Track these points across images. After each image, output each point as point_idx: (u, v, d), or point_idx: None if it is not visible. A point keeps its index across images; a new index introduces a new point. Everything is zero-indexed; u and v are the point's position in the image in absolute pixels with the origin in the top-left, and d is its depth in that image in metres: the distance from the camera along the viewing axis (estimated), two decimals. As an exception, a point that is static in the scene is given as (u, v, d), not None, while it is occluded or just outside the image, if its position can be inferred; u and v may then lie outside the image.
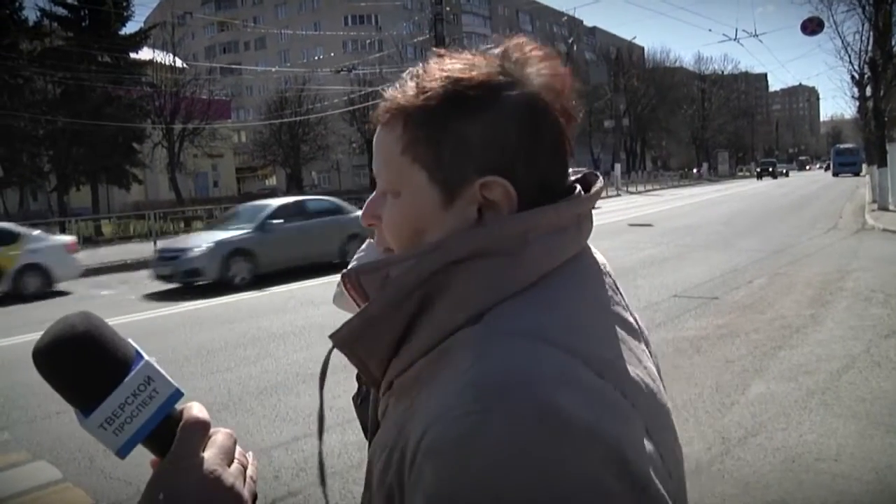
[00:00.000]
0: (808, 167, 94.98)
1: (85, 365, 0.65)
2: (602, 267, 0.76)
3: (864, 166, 42.28)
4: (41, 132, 28.53)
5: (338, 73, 38.71)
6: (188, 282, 11.46)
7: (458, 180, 0.70)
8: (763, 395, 5.02)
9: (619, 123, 52.04)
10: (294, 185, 45.66)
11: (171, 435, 0.68)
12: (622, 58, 67.82)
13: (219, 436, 0.71)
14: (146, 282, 12.32)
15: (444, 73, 0.71)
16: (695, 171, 68.42)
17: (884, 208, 20.01)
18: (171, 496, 0.65)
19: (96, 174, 29.93)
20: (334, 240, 12.91)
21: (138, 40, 33.25)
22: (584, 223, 0.75)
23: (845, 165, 56.94)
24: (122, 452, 0.66)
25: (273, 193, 40.07)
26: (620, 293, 0.76)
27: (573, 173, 0.79)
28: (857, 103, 29.84)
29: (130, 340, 0.69)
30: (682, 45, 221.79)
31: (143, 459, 0.71)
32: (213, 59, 66.49)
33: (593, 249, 0.78)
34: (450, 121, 0.70)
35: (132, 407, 0.66)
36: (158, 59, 34.34)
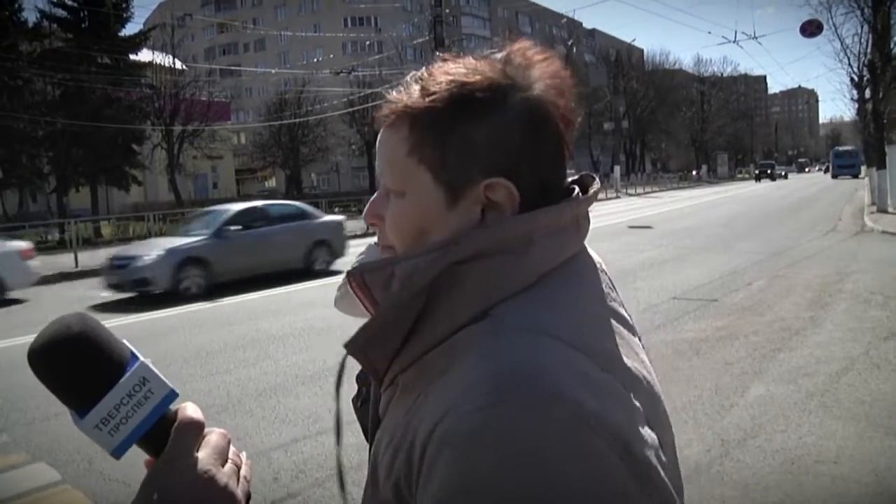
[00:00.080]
0: (807, 169, 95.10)
1: (80, 366, 0.66)
2: (598, 265, 0.79)
3: (863, 168, 42.35)
4: (41, 133, 28.49)
5: (337, 75, 38.61)
6: (138, 291, 10.84)
7: (462, 181, 0.72)
8: (762, 398, 5.02)
9: (618, 125, 52.11)
10: (293, 187, 45.64)
11: (166, 435, 0.68)
12: (622, 60, 67.81)
13: (213, 436, 0.71)
14: (94, 292, 11.38)
15: (450, 77, 0.72)
16: (694, 173, 68.45)
17: (883, 210, 20.03)
18: (165, 496, 0.65)
19: (96, 175, 29.89)
20: (299, 246, 12.52)
21: (138, 42, 33.20)
22: (582, 223, 0.77)
23: (844, 168, 56.99)
24: (118, 453, 0.67)
25: (272, 195, 40.16)
26: (615, 290, 0.79)
27: (570, 175, 0.82)
28: (857, 105, 29.92)
29: (125, 341, 0.70)
30: (681, 48, 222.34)
31: (142, 461, 0.71)
32: (213, 60, 66.48)
33: (589, 249, 0.80)
34: (456, 123, 0.71)
35: (127, 408, 0.66)
36: (158, 61, 34.32)
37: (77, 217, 22.91)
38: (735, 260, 11.84)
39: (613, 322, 0.73)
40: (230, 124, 46.78)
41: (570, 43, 58.26)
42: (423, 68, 0.76)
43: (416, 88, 0.74)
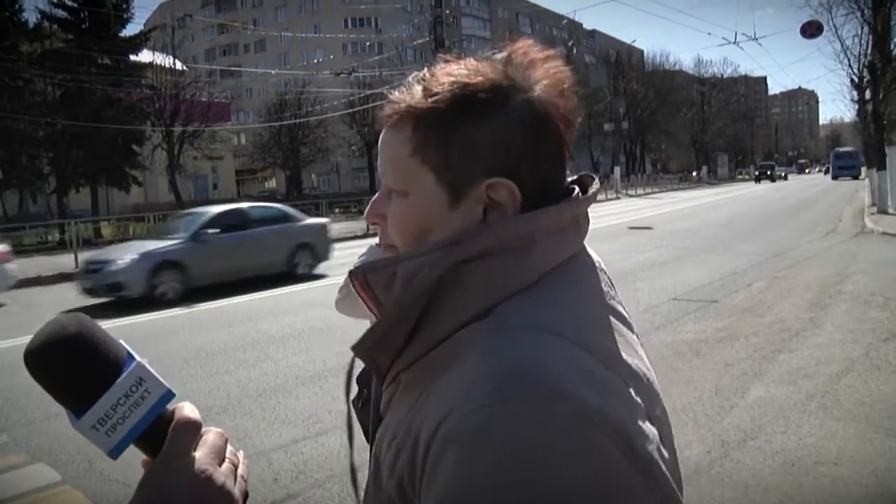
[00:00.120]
0: (807, 170, 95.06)
1: (77, 366, 0.66)
2: (598, 264, 0.80)
3: (864, 170, 42.35)
4: (41, 134, 28.51)
5: (337, 76, 38.61)
6: (112, 296, 10.48)
7: (465, 181, 0.73)
8: (762, 399, 5.02)
9: (618, 126, 52.10)
10: (294, 188, 45.66)
11: (163, 435, 0.68)
12: (622, 61, 67.86)
13: (210, 435, 0.71)
14: (71, 296, 10.89)
15: (452, 78, 0.73)
16: (694, 174, 68.44)
17: (883, 212, 20.02)
18: (162, 495, 0.65)
19: (96, 176, 29.91)
20: (281, 250, 12.27)
21: (138, 42, 33.23)
22: (582, 223, 0.78)
23: (844, 169, 56.95)
24: (115, 453, 0.67)
25: (273, 196, 40.16)
26: (614, 288, 0.80)
27: (569, 176, 0.82)
28: (857, 107, 29.94)
29: (122, 341, 0.70)
30: (681, 49, 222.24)
31: (141, 461, 0.71)
32: (213, 61, 66.53)
33: (588, 248, 0.81)
34: (459, 124, 0.72)
35: (124, 408, 0.66)
36: (158, 62, 34.34)
37: (77, 218, 22.92)
38: (735, 261, 11.84)
39: (613, 320, 0.74)
40: (230, 125, 46.81)
41: (570, 44, 58.25)
42: (426, 69, 0.77)
43: (418, 89, 0.74)
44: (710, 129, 78.03)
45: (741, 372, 5.69)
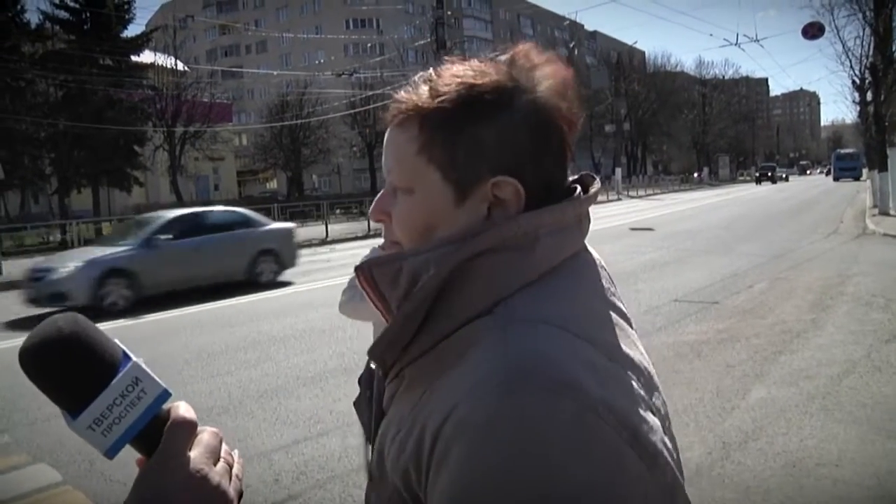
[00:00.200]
0: (808, 172, 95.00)
1: (72, 366, 0.65)
2: (598, 262, 0.82)
3: (865, 171, 42.30)
4: (43, 135, 28.58)
5: (339, 77, 38.66)
6: (57, 307, 9.39)
7: (471, 180, 0.74)
8: (764, 400, 5.02)
9: (619, 128, 52.17)
10: (295, 189, 45.68)
11: (159, 435, 0.68)
12: (623, 62, 67.92)
13: (205, 435, 0.72)
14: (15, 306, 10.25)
15: (458, 79, 0.74)
16: (695, 175, 68.40)
17: (884, 213, 20.00)
18: (157, 495, 0.66)
19: (97, 177, 29.98)
20: (242, 256, 11.75)
21: (140, 43, 33.32)
22: (583, 222, 0.79)
23: (846, 170, 56.92)
24: (111, 453, 0.67)
25: (273, 197, 40.18)
26: (615, 285, 0.81)
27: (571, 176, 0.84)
28: (858, 108, 29.99)
29: (117, 341, 0.70)
30: (683, 50, 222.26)
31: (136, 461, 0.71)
32: (215, 62, 66.59)
33: (589, 247, 0.82)
34: (465, 124, 0.73)
35: (120, 408, 0.66)
36: (160, 63, 34.43)
37: (79, 218, 22.97)
38: (736, 262, 11.84)
39: (614, 315, 0.76)
40: (232, 126, 46.86)
41: (571, 45, 58.33)
42: (431, 69, 0.78)
43: (424, 89, 0.76)
44: (711, 130, 78.05)
45: (742, 373, 5.68)
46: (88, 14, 30.27)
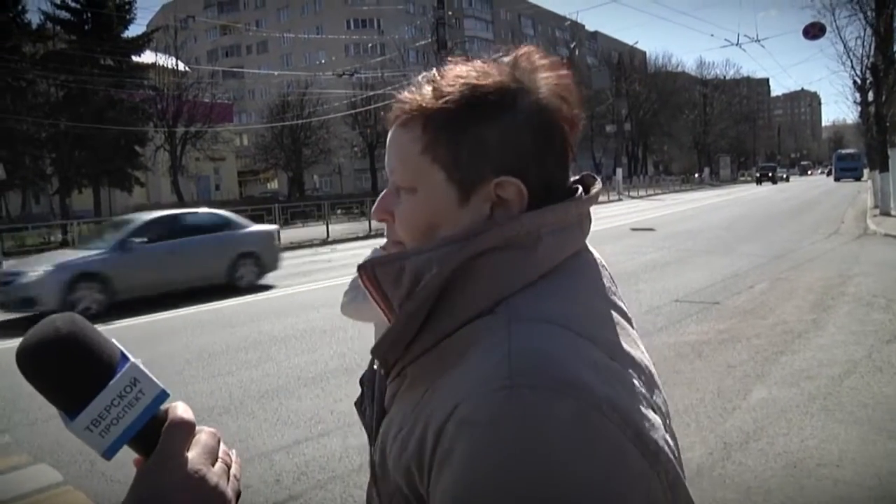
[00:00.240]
0: (809, 172, 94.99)
1: (70, 367, 0.65)
2: (599, 261, 0.82)
3: (866, 171, 42.29)
4: (44, 135, 28.59)
5: (340, 77, 38.61)
6: (26, 312, 9.29)
7: (474, 179, 0.75)
8: (765, 401, 5.01)
9: (620, 128, 52.17)
10: (296, 189, 45.70)
11: (157, 435, 0.68)
12: (624, 62, 67.88)
13: (202, 435, 0.72)
14: None
15: (462, 80, 0.75)
16: (696, 175, 68.38)
17: (886, 213, 19.99)
18: (155, 495, 0.66)
19: (98, 177, 29.99)
20: (221, 259, 11.43)
21: (141, 43, 33.33)
22: (585, 222, 0.80)
23: (847, 170, 56.89)
24: (108, 454, 0.67)
25: (274, 197, 40.18)
26: (615, 284, 0.82)
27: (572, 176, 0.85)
28: (859, 108, 29.98)
29: (115, 341, 0.69)
30: (684, 50, 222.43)
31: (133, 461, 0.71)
32: (216, 62, 66.59)
33: (590, 246, 0.83)
34: (469, 124, 0.74)
35: (118, 409, 0.66)
36: (161, 63, 34.46)
37: (80, 218, 22.99)
38: (737, 263, 11.83)
39: (615, 314, 0.76)
40: (233, 126, 46.88)
41: (572, 45, 58.35)
42: (434, 70, 0.79)
43: (428, 90, 0.76)
44: (712, 130, 77.95)
45: (743, 374, 5.68)
46: (89, 14, 30.28)
